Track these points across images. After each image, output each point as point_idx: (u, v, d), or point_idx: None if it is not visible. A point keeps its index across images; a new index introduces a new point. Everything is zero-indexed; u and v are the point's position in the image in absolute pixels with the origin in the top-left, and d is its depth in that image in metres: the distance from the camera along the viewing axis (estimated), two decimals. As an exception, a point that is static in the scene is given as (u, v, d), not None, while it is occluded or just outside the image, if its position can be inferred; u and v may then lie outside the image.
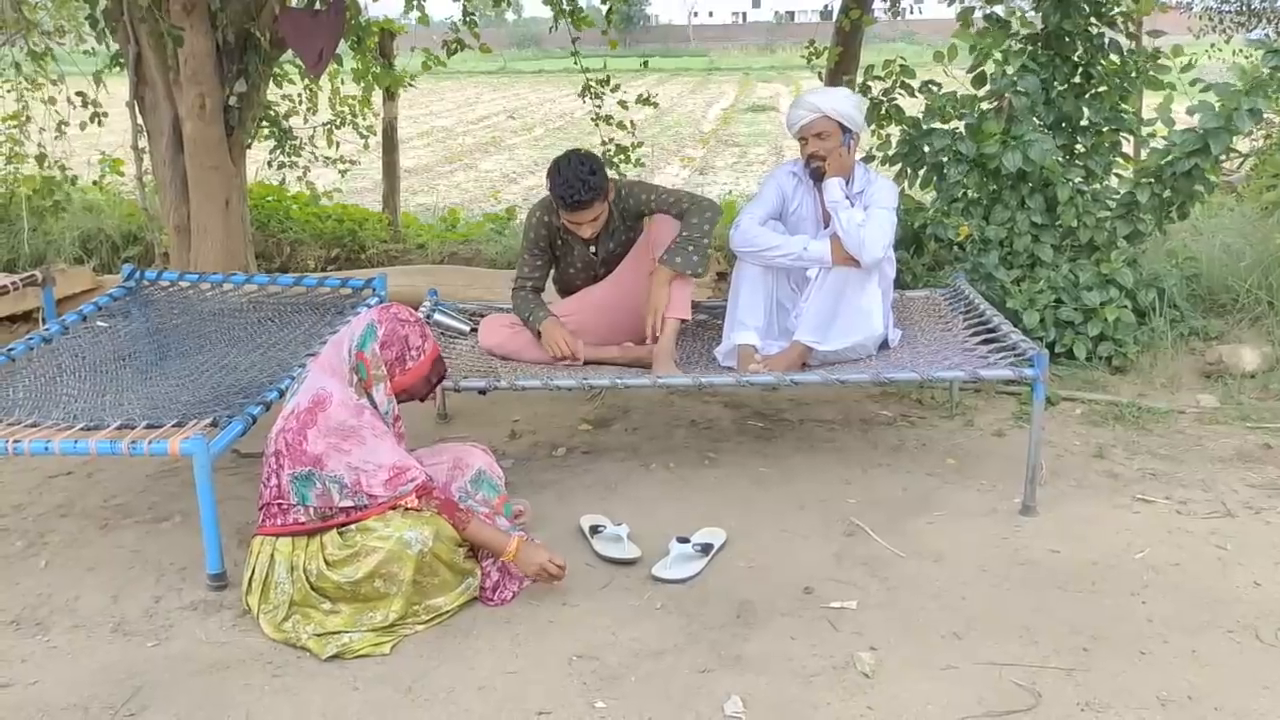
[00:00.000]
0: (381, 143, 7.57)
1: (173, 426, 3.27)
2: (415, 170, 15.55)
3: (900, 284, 5.33)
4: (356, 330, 3.01)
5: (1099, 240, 4.88)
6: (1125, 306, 4.73)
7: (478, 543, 3.00)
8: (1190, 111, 4.52)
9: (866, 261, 3.68)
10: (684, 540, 3.22)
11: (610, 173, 4.10)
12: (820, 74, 6.31)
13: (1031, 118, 4.72)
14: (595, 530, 3.34)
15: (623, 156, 6.92)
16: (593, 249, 4.01)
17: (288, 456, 2.92)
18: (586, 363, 3.98)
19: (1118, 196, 4.89)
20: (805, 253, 3.77)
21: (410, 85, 7.31)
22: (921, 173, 5.07)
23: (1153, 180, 4.64)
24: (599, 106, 6.97)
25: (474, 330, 4.11)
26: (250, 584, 2.94)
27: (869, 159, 5.15)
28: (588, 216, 3.78)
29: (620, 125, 6.88)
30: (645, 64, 7.19)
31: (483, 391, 3.56)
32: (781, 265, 3.84)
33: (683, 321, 3.88)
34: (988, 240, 4.68)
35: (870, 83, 5.19)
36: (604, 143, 7.00)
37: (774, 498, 3.66)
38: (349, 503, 2.90)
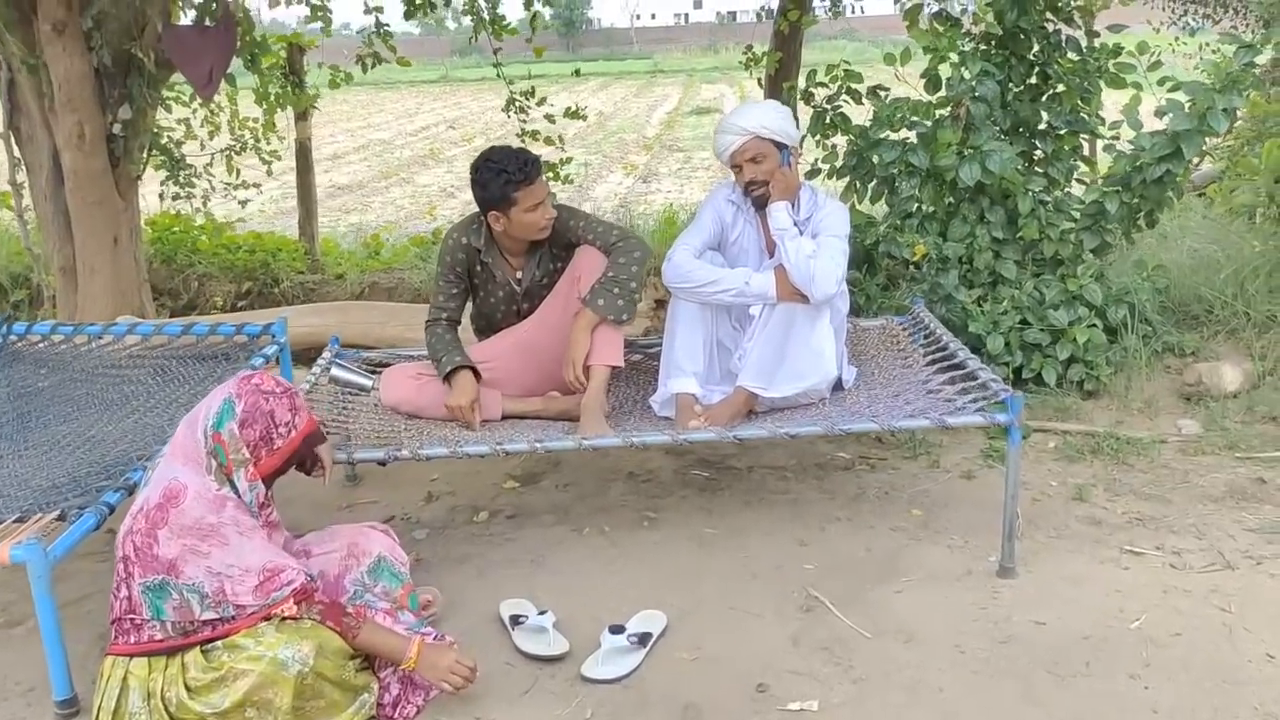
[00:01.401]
0: (295, 165, 7.03)
1: (14, 522, 2.78)
2: (350, 187, 15.00)
3: (854, 308, 4.95)
4: (212, 407, 2.54)
5: (1064, 254, 4.52)
6: (1095, 326, 4.36)
7: (372, 651, 2.55)
8: (1159, 113, 4.17)
9: (817, 297, 3.27)
10: (618, 630, 2.78)
11: None
12: (760, 81, 5.90)
13: (989, 125, 4.33)
14: (517, 621, 2.89)
15: (551, 174, 6.47)
16: (517, 276, 3.56)
17: (137, 563, 2.45)
18: (506, 417, 3.53)
19: (1082, 206, 4.52)
20: (747, 288, 3.35)
21: (314, 108, 6.78)
22: (871, 186, 4.67)
23: (1120, 189, 4.27)
24: (524, 121, 6.53)
25: (377, 387, 3.64)
26: (99, 713, 2.46)
27: (814, 173, 4.75)
28: (543, 189, 3.38)
29: (548, 140, 6.43)
30: (577, 72, 6.73)
31: (382, 463, 3.09)
32: (721, 303, 3.42)
33: (613, 369, 3.44)
34: (946, 259, 4.29)
35: (813, 89, 4.78)
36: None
37: (721, 565, 3.23)
38: (212, 615, 2.44)
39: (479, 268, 3.55)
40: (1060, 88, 4.68)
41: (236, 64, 5.45)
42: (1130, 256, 4.96)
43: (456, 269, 3.53)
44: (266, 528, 2.60)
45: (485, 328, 3.72)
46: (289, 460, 2.61)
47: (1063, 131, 4.61)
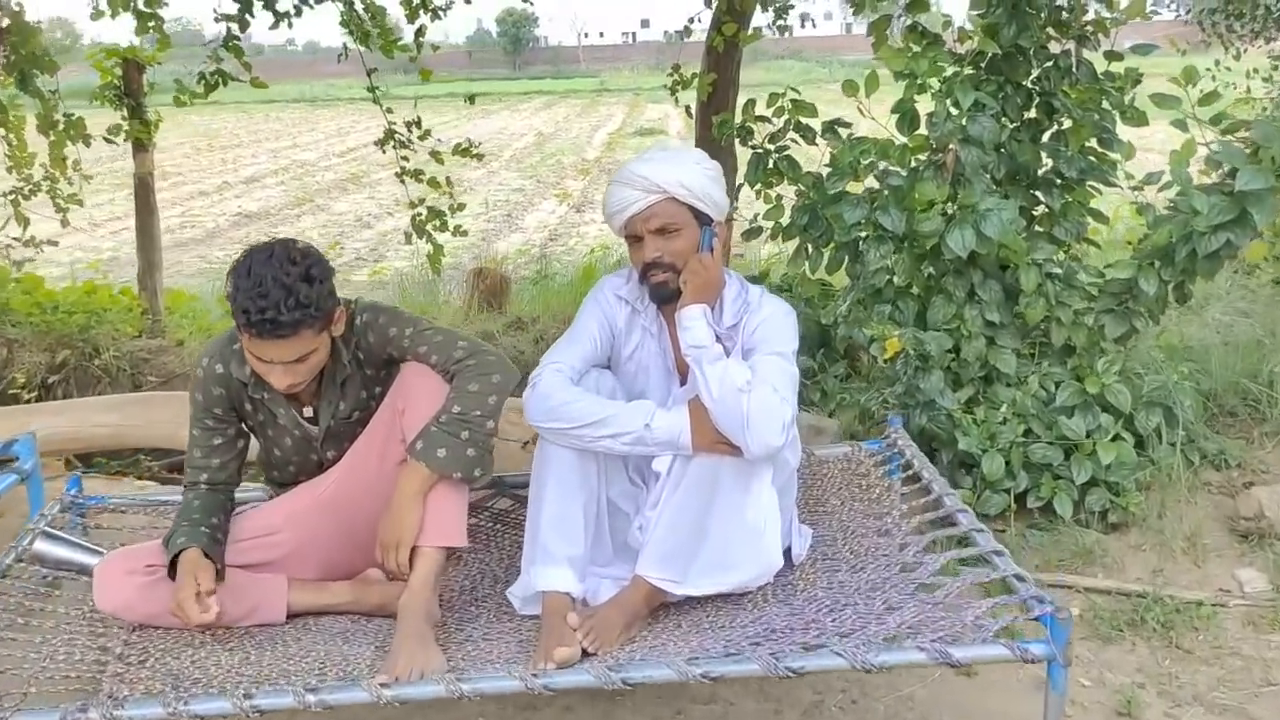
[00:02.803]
0: (135, 205, 5.80)
1: None
2: (257, 215, 13.76)
3: (804, 400, 3.85)
4: None
5: (1078, 342, 3.46)
6: (1122, 438, 3.31)
7: None
8: (1210, 162, 3.12)
9: (755, 451, 2.16)
10: None
11: (341, 288, 2.40)
12: (689, 109, 4.81)
13: (983, 174, 3.26)
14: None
15: (438, 223, 5.33)
16: (308, 413, 2.41)
17: None
18: (294, 616, 2.38)
19: (1100, 281, 3.46)
20: (649, 432, 2.23)
21: (150, 142, 5.54)
22: (829, 251, 3.58)
23: (1157, 262, 3.22)
24: (406, 160, 5.38)
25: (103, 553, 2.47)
26: None
27: (752, 232, 3.65)
28: (287, 351, 2.18)
29: (433, 183, 5.29)
30: (471, 99, 5.59)
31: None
32: (611, 451, 2.29)
33: (450, 552, 2.31)
34: (927, 357, 3.19)
35: (752, 124, 3.69)
36: (413, 205, 5.40)
37: None
38: None
39: (250, 405, 2.39)
40: (1066, 123, 3.64)
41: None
42: (1146, 334, 3.91)
43: (215, 410, 2.37)
44: None
45: (280, 480, 2.56)
46: None
47: (1075, 183, 3.56)
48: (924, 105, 3.36)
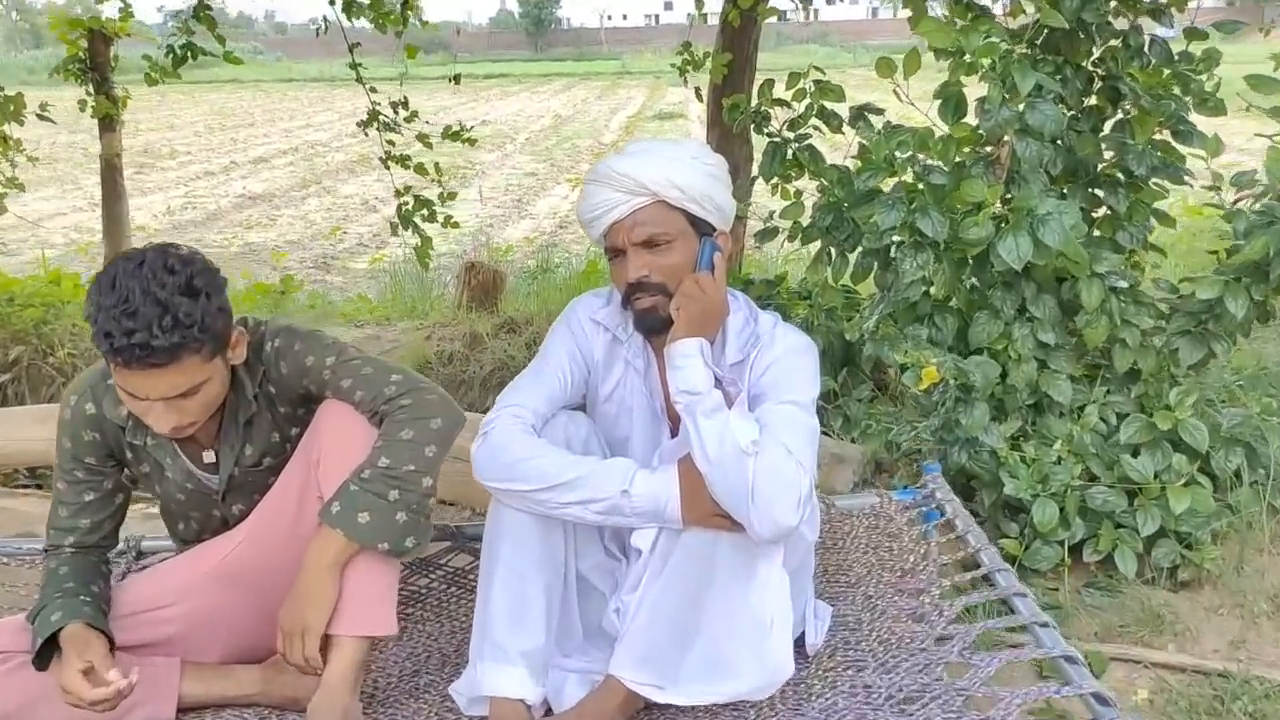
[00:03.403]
0: (102, 189, 5.35)
1: None
2: (262, 197, 13.32)
3: (823, 424, 3.37)
4: None
5: (1145, 367, 2.97)
6: (1198, 482, 2.81)
7: None
8: (1314, 161, 2.62)
9: (762, 532, 1.69)
10: None
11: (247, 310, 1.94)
12: (699, 92, 4.31)
13: (1042, 173, 2.77)
14: None
15: (425, 213, 4.86)
16: (209, 458, 1.95)
17: None
18: (186, 710, 1.92)
19: (1174, 298, 2.97)
20: (628, 500, 1.76)
21: (118, 118, 5.09)
22: (856, 258, 3.09)
23: (1247, 278, 2.72)
24: (391, 144, 4.92)
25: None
26: None
27: (767, 234, 3.17)
28: (166, 385, 1.72)
29: (419, 169, 4.82)
30: (455, 79, 5.10)
31: None
32: (580, 520, 1.81)
33: (374, 642, 1.85)
34: (970, 388, 2.70)
35: (769, 109, 3.19)
36: (399, 193, 4.93)
37: None
38: None
39: (130, 454, 1.93)
40: (1131, 111, 3.13)
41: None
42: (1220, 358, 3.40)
43: (87, 460, 1.91)
44: None
45: (183, 538, 2.10)
46: None
47: (1142, 182, 3.05)
48: (972, 91, 2.86)
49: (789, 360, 1.86)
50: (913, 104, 2.75)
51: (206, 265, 1.75)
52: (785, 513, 1.65)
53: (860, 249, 3.05)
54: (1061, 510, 2.79)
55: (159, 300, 1.65)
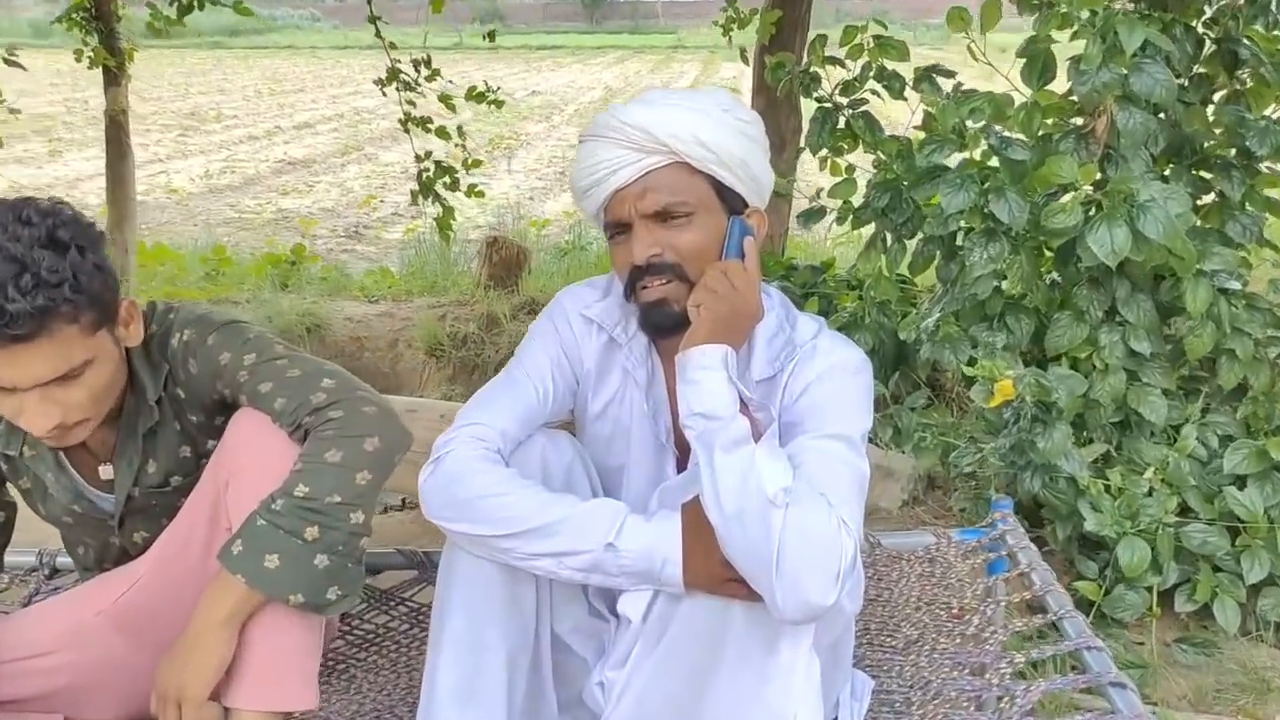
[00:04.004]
0: (106, 147, 5.03)
1: None
2: (302, 163, 13.05)
3: (873, 436, 2.96)
4: None
5: (1256, 383, 2.52)
6: (1318, 524, 2.37)
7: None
8: None
9: (788, 611, 1.26)
10: None
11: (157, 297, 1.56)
12: (744, 54, 3.87)
13: (1144, 151, 2.31)
14: None
15: (447, 181, 4.48)
16: (104, 473, 1.58)
17: None
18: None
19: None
20: (615, 556, 1.35)
21: (124, 72, 4.75)
22: (915, 245, 2.65)
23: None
24: (412, 104, 4.54)
25: None
26: None
27: (812, 214, 2.74)
28: (36, 367, 1.34)
29: (441, 133, 4.44)
30: (490, 35, 4.71)
31: None
32: (552, 575, 1.41)
33: (287, 716, 1.46)
34: (1049, 406, 2.25)
35: (819, 69, 2.76)
36: (419, 159, 4.56)
37: None
38: None
39: (4, 465, 1.56)
40: (1248, 81, 2.66)
41: None
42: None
43: None
44: None
45: (85, 565, 1.74)
46: None
47: (1260, 165, 2.58)
48: (1062, 51, 2.39)
49: (835, 381, 1.43)
50: (990, 64, 2.30)
51: (76, 217, 1.38)
52: (819, 588, 1.24)
53: (921, 235, 2.61)
54: (1152, 550, 2.35)
55: (14, 256, 1.29)
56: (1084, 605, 2.35)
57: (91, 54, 4.57)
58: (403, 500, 3.19)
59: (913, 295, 3.19)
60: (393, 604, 1.97)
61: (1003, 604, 1.82)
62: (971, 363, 2.24)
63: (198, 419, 1.57)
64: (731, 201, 1.45)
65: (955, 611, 1.85)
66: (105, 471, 1.57)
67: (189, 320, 1.54)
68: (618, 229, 1.47)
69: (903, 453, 2.99)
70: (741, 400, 1.34)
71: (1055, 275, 2.55)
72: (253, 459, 1.45)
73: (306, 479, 1.40)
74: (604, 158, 1.44)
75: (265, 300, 4.77)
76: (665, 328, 1.46)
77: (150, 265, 5.20)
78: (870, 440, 2.97)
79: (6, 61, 4.00)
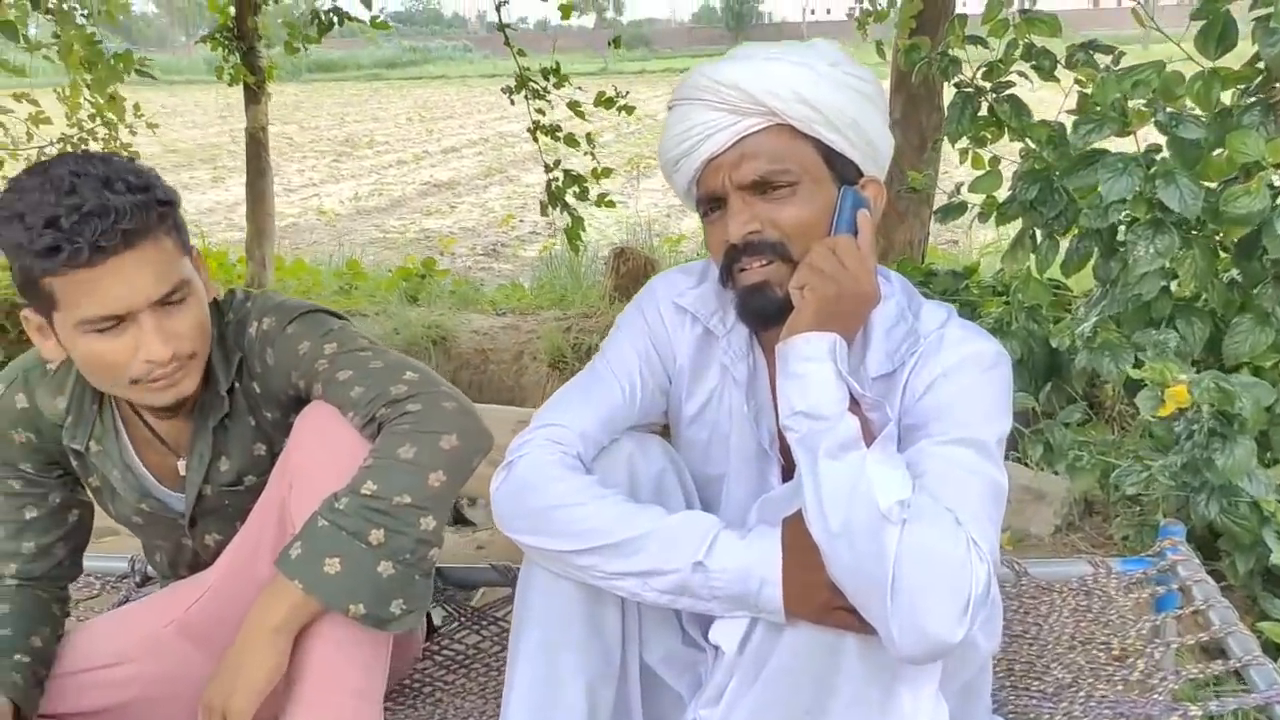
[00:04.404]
0: (246, 164, 5.14)
1: None
2: (445, 185, 13.34)
3: (1018, 453, 2.72)
4: None
5: None
6: None
7: None
8: None
9: (905, 648, 1.07)
10: None
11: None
12: (880, 48, 3.63)
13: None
14: None
15: (577, 190, 4.39)
16: (179, 469, 1.49)
17: None
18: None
19: None
20: (705, 576, 1.18)
21: (264, 90, 4.84)
22: (1069, 243, 2.39)
23: None
24: (541, 113, 4.48)
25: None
26: None
27: (952, 210, 2.51)
28: (148, 272, 1.28)
29: (570, 140, 4.36)
30: (614, 42, 4.61)
31: None
32: (635, 596, 1.24)
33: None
34: (1230, 418, 1.96)
35: (959, 51, 2.53)
36: (548, 169, 4.48)
37: None
38: None
39: (74, 460, 1.49)
40: None
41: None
42: None
43: (22, 466, 1.48)
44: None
45: (161, 571, 1.66)
46: None
47: None
48: (1242, 13, 2.11)
49: (965, 376, 1.22)
50: (1158, 28, 2.03)
51: (148, 169, 1.33)
52: (943, 621, 1.03)
53: (1075, 230, 2.35)
54: (1353, 590, 2.03)
55: (98, 175, 1.24)
56: (1271, 650, 2.04)
57: (232, 71, 4.68)
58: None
59: (1066, 300, 2.91)
60: (484, 623, 1.84)
61: (1173, 646, 1.57)
62: (1139, 365, 1.97)
63: (273, 415, 1.47)
64: (843, 170, 1.26)
65: (1116, 653, 1.59)
66: (183, 466, 1.49)
67: (267, 308, 1.45)
68: (711, 204, 1.30)
69: (1055, 473, 2.71)
70: (852, 398, 1.15)
71: (1235, 272, 2.25)
72: (319, 456, 1.34)
73: (375, 476, 1.28)
74: (695, 121, 1.27)
75: (394, 313, 4.77)
76: (766, 315, 1.27)
77: (286, 279, 5.28)
78: (1019, 460, 2.71)
79: (139, 72, 4.09)
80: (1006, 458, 2.05)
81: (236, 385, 1.45)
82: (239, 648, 1.28)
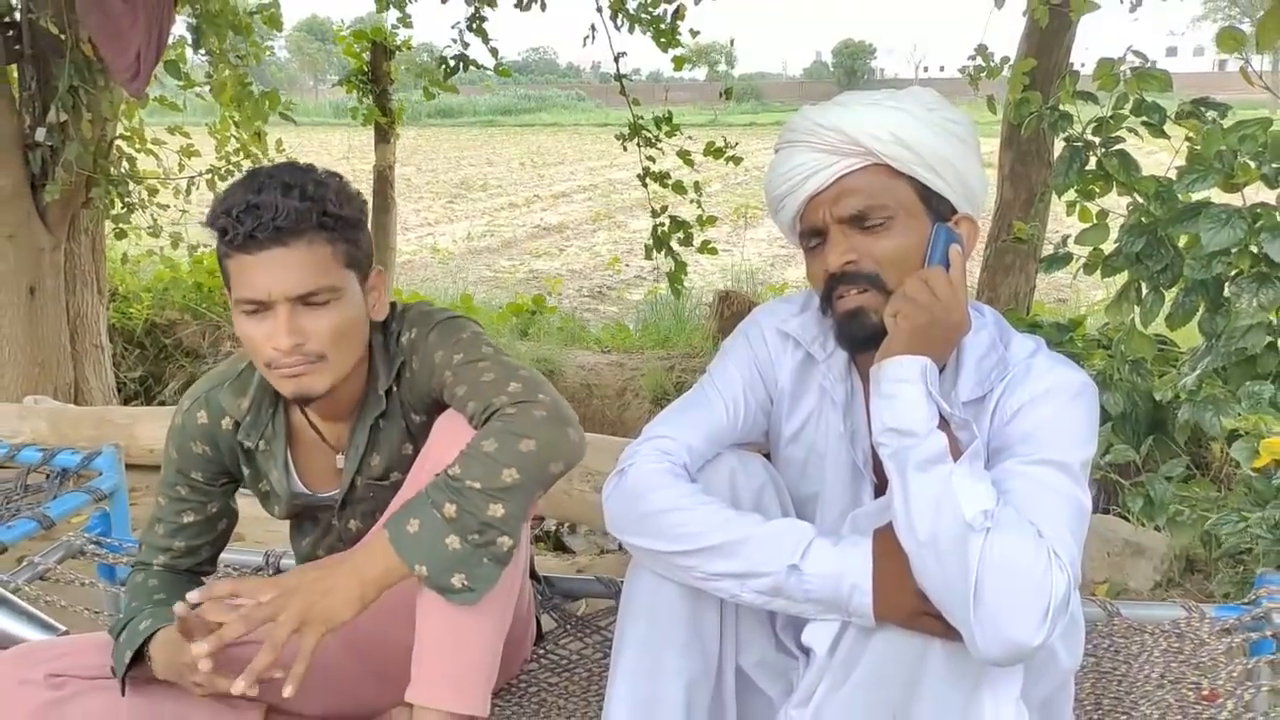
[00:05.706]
0: (372, 199, 5.41)
1: None
2: (554, 228, 13.69)
3: (1113, 503, 2.72)
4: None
5: None
6: None
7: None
8: None
9: (987, 650, 1.14)
10: None
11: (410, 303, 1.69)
12: (992, 103, 3.68)
13: None
14: None
15: (681, 236, 4.53)
16: (339, 462, 1.63)
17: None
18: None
19: None
20: (799, 579, 1.26)
21: (394, 130, 5.12)
22: (1174, 296, 2.42)
23: None
24: (652, 160, 4.63)
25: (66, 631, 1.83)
26: None
27: (1055, 261, 2.55)
28: (289, 271, 1.43)
29: (678, 187, 4.50)
30: (726, 93, 4.75)
31: None
32: (734, 597, 1.33)
33: (455, 720, 1.44)
34: (1337, 473, 1.96)
35: (1069, 105, 2.59)
36: (655, 214, 4.63)
37: None
38: None
39: (241, 462, 1.65)
40: None
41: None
42: None
43: (193, 475, 1.64)
44: None
45: (304, 556, 1.81)
46: None
47: None
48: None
49: (1053, 403, 1.29)
50: (1267, 87, 2.07)
51: (346, 186, 1.51)
52: (1023, 625, 1.10)
53: (1180, 283, 2.38)
54: None
55: (287, 182, 1.43)
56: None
57: (365, 112, 4.96)
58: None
59: (1172, 355, 2.91)
60: (588, 631, 1.94)
61: (1265, 688, 1.58)
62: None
63: (419, 419, 1.60)
64: (938, 207, 1.35)
65: (1206, 693, 1.61)
66: (340, 461, 1.63)
67: (415, 318, 1.60)
68: (813, 236, 1.40)
69: (1156, 529, 2.71)
70: (942, 418, 1.23)
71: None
72: (451, 455, 1.46)
73: (462, 462, 1.41)
74: (797, 162, 1.38)
75: (504, 346, 4.94)
76: (862, 340, 1.36)
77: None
78: (1119, 513, 2.71)
79: (282, 115, 4.39)
80: (1107, 510, 2.09)
81: (394, 388, 1.59)
82: (334, 577, 1.39)
